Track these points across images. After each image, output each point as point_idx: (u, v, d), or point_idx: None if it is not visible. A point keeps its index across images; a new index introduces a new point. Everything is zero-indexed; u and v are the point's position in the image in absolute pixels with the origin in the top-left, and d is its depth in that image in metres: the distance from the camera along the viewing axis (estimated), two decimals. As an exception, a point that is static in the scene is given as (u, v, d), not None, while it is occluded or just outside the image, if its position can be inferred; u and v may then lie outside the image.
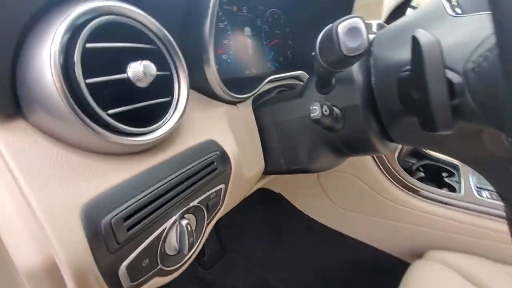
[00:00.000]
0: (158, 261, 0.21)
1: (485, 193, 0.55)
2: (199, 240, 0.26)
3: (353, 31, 0.19)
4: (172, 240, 0.22)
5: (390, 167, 0.56)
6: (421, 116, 0.20)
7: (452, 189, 0.59)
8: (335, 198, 0.66)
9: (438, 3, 0.24)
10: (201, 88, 0.29)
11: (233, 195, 0.31)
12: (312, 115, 0.25)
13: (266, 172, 0.39)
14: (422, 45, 0.18)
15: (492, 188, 0.56)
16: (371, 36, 0.30)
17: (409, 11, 0.91)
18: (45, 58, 0.15)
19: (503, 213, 0.49)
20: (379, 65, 0.26)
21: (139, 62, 0.18)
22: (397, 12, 0.89)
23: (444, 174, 0.63)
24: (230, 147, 0.28)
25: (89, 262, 0.16)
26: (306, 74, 0.46)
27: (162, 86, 0.21)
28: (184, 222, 0.22)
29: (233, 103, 0.33)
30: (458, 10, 0.23)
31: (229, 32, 0.41)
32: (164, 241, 0.21)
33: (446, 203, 0.54)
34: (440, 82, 0.17)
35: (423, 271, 0.49)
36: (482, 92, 0.17)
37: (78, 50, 0.15)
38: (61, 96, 0.15)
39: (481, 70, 0.17)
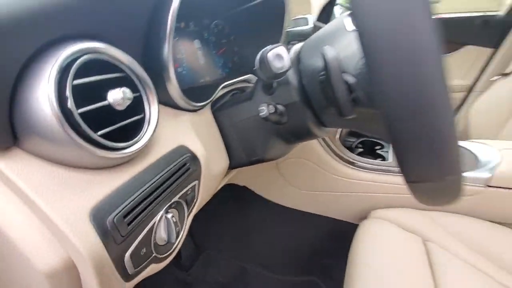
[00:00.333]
0: (153, 250, 0.26)
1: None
2: (183, 230, 0.31)
3: (278, 56, 0.25)
4: (162, 232, 0.27)
5: (334, 147, 0.67)
6: (336, 107, 0.28)
7: (383, 158, 0.73)
8: (294, 181, 0.75)
9: (341, 21, 0.32)
10: (166, 102, 0.33)
11: (205, 189, 0.36)
12: (261, 114, 0.32)
13: (231, 167, 0.45)
14: (326, 59, 0.25)
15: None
16: (300, 45, 0.38)
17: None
18: (42, 95, 0.18)
19: None
20: (306, 70, 0.34)
21: (118, 89, 0.22)
22: (328, 7, 1.02)
23: (377, 147, 0.77)
24: (197, 149, 0.33)
25: (103, 254, 0.20)
26: (254, 76, 0.52)
27: (135, 105, 0.25)
28: (169, 215, 0.27)
29: (195, 110, 0.38)
30: (354, 27, 0.31)
31: (180, 47, 0.45)
32: (155, 233, 0.26)
33: (379, 170, 0.67)
34: (341, 83, 0.25)
35: (369, 228, 0.61)
36: (366, 88, 0.25)
37: (69, 86, 0.19)
38: (60, 126, 0.19)
39: (363, 73, 0.25)
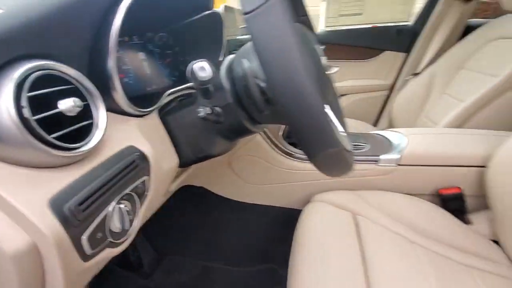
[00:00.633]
0: (108, 235, 0.30)
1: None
2: (136, 219, 0.35)
3: (202, 68, 0.32)
4: (115, 220, 0.31)
5: (277, 143, 0.75)
6: (255, 106, 0.35)
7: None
8: (246, 177, 0.82)
9: None
10: (115, 109, 0.38)
11: (157, 184, 0.41)
12: (199, 115, 0.38)
13: (182, 165, 0.50)
14: (243, 68, 0.33)
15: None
16: (232, 56, 0.45)
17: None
18: (3, 107, 0.22)
19: (356, 158, 0.75)
20: (236, 77, 0.41)
21: (68, 99, 0.26)
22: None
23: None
24: (145, 148, 0.37)
25: (62, 234, 0.24)
26: None
27: (85, 112, 0.30)
28: (122, 206, 0.31)
29: (142, 115, 0.43)
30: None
31: (126, 59, 0.49)
32: (109, 220, 0.30)
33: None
34: (254, 87, 0.33)
35: (310, 211, 0.69)
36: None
37: (24, 97, 0.23)
38: (19, 131, 0.23)
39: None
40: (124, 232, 0.33)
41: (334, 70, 1.59)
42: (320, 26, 1.48)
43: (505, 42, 0.93)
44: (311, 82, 0.25)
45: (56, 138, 0.25)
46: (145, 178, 0.37)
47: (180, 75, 0.63)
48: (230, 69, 0.42)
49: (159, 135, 0.45)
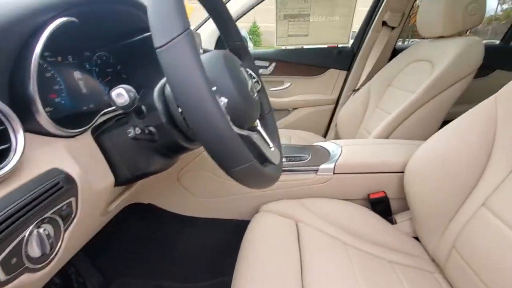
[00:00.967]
0: (24, 261, 0.30)
1: (284, 159, 0.87)
2: (59, 242, 0.35)
3: (119, 94, 0.34)
4: (34, 245, 0.31)
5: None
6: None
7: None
8: (196, 192, 0.83)
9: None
10: (40, 131, 0.37)
11: (89, 204, 0.41)
12: (129, 136, 0.39)
13: (118, 184, 0.50)
14: (165, 92, 0.36)
15: (290, 155, 0.89)
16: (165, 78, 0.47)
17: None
18: None
19: (299, 168, 0.80)
20: (167, 98, 0.43)
21: None
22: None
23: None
24: (72, 169, 0.38)
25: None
26: None
27: (2, 136, 0.30)
28: (41, 230, 0.31)
29: (72, 136, 0.42)
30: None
31: (58, 79, 0.49)
32: (26, 245, 0.30)
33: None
34: (176, 109, 0.36)
35: (256, 221, 0.73)
36: None
37: None
38: None
39: None
40: (45, 256, 0.32)
41: (287, 85, 1.69)
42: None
43: (420, 64, 1.09)
44: (217, 109, 0.29)
45: None
46: (71, 199, 0.37)
47: (121, 93, 0.64)
48: (163, 90, 0.45)
49: (91, 154, 0.45)
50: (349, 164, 0.80)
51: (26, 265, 0.30)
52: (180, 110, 0.41)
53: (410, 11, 1.36)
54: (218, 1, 0.51)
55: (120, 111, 0.54)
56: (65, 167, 0.37)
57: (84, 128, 0.45)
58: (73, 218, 0.38)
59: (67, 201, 0.36)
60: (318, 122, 1.67)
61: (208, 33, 1.49)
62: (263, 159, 0.47)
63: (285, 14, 1.47)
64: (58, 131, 0.39)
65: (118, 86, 0.35)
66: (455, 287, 0.58)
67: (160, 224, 0.88)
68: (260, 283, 0.54)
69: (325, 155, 0.86)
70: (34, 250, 0.31)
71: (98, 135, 0.47)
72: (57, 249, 0.34)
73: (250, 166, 0.34)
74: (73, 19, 0.38)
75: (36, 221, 0.31)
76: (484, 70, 1.52)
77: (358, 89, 1.46)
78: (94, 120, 0.47)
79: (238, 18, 1.47)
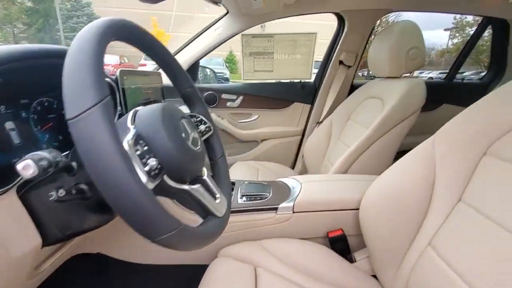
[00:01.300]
0: None
1: (243, 198, 0.86)
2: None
3: (26, 166, 0.32)
4: None
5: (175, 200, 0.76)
6: None
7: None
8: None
9: None
10: None
11: (7, 269, 0.36)
12: (50, 199, 0.36)
13: (47, 244, 0.45)
14: None
15: (251, 193, 0.88)
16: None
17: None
18: None
19: (259, 207, 0.78)
20: None
21: None
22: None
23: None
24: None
25: None
26: None
27: None
28: None
29: None
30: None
31: (-16, 132, 0.45)
32: None
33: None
34: None
35: (214, 266, 0.69)
36: None
37: None
38: None
39: None
40: None
41: (254, 117, 1.72)
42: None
43: (373, 101, 1.17)
44: (132, 181, 0.28)
45: None
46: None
47: (65, 139, 0.60)
48: None
49: (14, 215, 0.41)
50: (308, 202, 0.80)
51: None
52: None
53: (362, 52, 1.49)
54: (166, 53, 0.52)
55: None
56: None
57: (7, 187, 0.41)
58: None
59: None
60: (286, 153, 1.70)
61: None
62: (206, 213, 0.45)
63: (251, 51, 1.55)
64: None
65: (28, 156, 0.33)
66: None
67: (110, 275, 0.80)
68: None
69: (285, 192, 0.86)
70: None
71: (24, 193, 0.43)
72: None
73: (177, 232, 0.32)
74: None
75: None
76: (433, 104, 1.68)
77: (321, 121, 1.52)
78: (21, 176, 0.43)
79: (205, 54, 1.52)
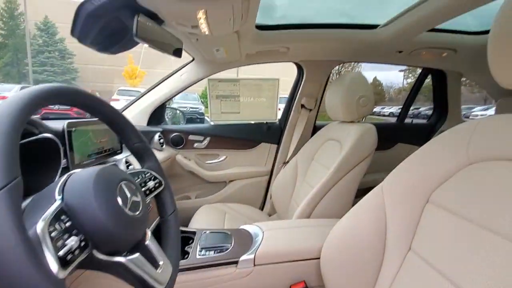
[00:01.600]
0: None
1: (203, 251, 0.81)
2: None
3: None
4: None
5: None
6: None
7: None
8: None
9: None
10: None
11: None
12: None
13: None
14: None
15: (211, 245, 0.83)
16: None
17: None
18: None
19: (218, 262, 0.73)
20: None
21: None
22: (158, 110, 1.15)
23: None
24: None
25: None
26: None
27: None
28: None
29: None
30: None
31: None
32: None
33: (181, 270, 0.74)
34: None
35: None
36: None
37: None
38: None
39: None
40: None
41: (222, 158, 1.70)
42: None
43: (332, 143, 1.23)
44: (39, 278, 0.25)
45: None
46: None
47: None
48: None
49: None
50: (270, 253, 0.77)
51: None
52: None
53: (322, 97, 1.60)
54: (113, 110, 0.52)
55: None
56: None
57: None
58: None
59: None
60: (255, 194, 1.68)
61: (141, 109, 1.50)
62: (144, 286, 0.41)
63: (217, 94, 1.59)
64: None
65: None
66: None
67: None
68: None
69: (247, 242, 0.83)
70: None
71: None
72: None
73: None
74: None
75: None
76: (389, 143, 1.80)
77: (287, 161, 1.55)
78: None
79: (171, 98, 1.54)
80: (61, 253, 0.29)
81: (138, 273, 0.41)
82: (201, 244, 0.85)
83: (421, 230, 0.56)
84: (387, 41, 1.22)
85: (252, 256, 0.76)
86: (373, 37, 1.24)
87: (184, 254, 0.84)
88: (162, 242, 0.57)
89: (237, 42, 1.06)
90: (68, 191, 0.37)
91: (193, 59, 1.45)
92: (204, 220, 1.30)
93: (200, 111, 8.64)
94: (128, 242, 0.41)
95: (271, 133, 1.68)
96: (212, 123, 1.65)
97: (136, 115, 1.48)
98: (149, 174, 0.57)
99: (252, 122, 1.68)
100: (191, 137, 1.60)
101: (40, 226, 0.29)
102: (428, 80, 1.83)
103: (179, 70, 1.49)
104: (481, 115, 9.52)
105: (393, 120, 1.93)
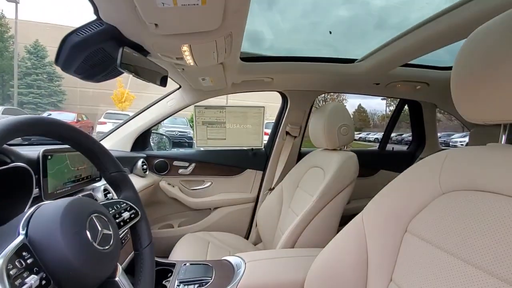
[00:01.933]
0: None
1: (181, 286, 0.77)
2: None
3: None
4: None
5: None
6: None
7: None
8: None
9: None
10: None
11: None
12: None
13: None
14: None
15: (190, 278, 0.80)
16: None
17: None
18: None
19: None
20: None
21: None
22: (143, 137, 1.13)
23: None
24: None
25: None
26: None
27: None
28: None
29: None
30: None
31: None
32: None
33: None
34: None
35: None
36: None
37: None
38: None
39: None
40: None
41: (207, 184, 1.68)
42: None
43: (316, 170, 1.25)
44: None
45: None
46: None
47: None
48: None
49: None
50: (252, 286, 0.74)
51: None
52: None
53: (306, 125, 1.65)
54: (88, 139, 0.51)
55: None
56: None
57: None
58: None
59: None
60: (240, 222, 1.65)
61: (125, 134, 1.48)
62: None
63: (203, 121, 1.61)
64: None
65: None
66: None
67: None
68: None
69: (229, 275, 0.80)
70: None
71: None
72: None
73: None
74: None
75: None
76: (372, 170, 1.84)
77: (273, 188, 1.55)
78: None
79: (157, 123, 1.54)
80: None
81: None
82: (179, 278, 0.81)
83: (401, 260, 0.56)
84: (364, 74, 1.30)
85: (232, 291, 0.73)
86: (351, 70, 1.32)
87: (161, 288, 0.79)
88: (135, 276, 0.54)
89: (222, 72, 1.11)
90: (34, 225, 0.35)
91: (179, 87, 1.48)
92: (186, 250, 1.25)
93: (189, 135, 8.63)
94: (96, 278, 0.39)
95: (256, 159, 1.69)
96: (201, 148, 1.65)
97: (120, 140, 1.46)
98: (124, 204, 0.56)
99: (238, 148, 1.69)
100: (175, 163, 1.58)
101: None
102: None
103: (166, 96, 1.51)
104: (460, 142, 9.99)
105: (377, 145, 1.99)
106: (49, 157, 0.68)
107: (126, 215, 0.54)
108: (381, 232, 0.60)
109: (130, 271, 0.57)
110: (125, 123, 1.52)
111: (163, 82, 0.97)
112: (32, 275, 0.30)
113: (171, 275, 0.84)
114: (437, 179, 0.52)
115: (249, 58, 1.22)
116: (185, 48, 0.74)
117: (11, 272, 0.29)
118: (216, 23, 0.64)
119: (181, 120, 9.68)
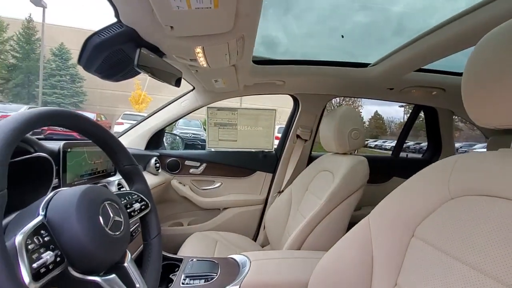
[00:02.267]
0: None
1: (187, 280, 0.79)
2: None
3: None
4: None
5: None
6: None
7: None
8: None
9: None
10: None
11: None
12: None
13: None
14: None
15: (196, 273, 0.81)
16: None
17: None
18: None
19: None
20: None
21: None
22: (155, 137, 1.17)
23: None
24: None
25: None
26: None
27: None
28: None
29: None
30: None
31: None
32: None
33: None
34: None
35: None
36: None
37: None
38: None
39: None
40: None
41: (217, 184, 1.70)
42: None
43: (325, 173, 1.24)
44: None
45: None
46: None
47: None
48: None
49: None
50: (256, 284, 0.75)
51: None
52: None
53: (317, 128, 1.65)
54: (105, 133, 0.54)
55: None
56: None
57: None
58: None
59: None
60: (248, 223, 1.66)
61: (140, 133, 1.54)
62: None
63: (215, 122, 1.64)
64: None
65: None
66: None
67: None
68: None
69: (234, 272, 0.81)
70: None
71: None
72: None
73: None
74: None
75: None
76: (384, 176, 1.80)
77: (282, 190, 1.55)
78: None
79: (171, 123, 1.59)
80: (35, 265, 0.30)
81: None
82: (186, 272, 0.83)
83: (407, 265, 0.55)
84: (377, 78, 1.29)
85: (237, 286, 0.74)
86: (364, 74, 1.31)
87: (168, 281, 0.81)
88: (142, 265, 0.56)
89: (234, 74, 1.13)
90: (52, 208, 0.38)
91: (193, 88, 1.52)
92: (194, 248, 1.27)
93: (202, 137, 8.76)
94: (106, 261, 0.42)
95: (267, 162, 1.70)
96: (212, 149, 1.68)
97: (135, 138, 1.52)
98: (136, 196, 0.58)
99: (249, 150, 1.71)
100: (187, 162, 1.62)
101: (18, 238, 0.31)
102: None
103: (180, 97, 1.56)
104: (482, 152, 9.51)
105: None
106: (69, 150, 0.72)
107: (136, 206, 0.57)
108: (387, 236, 0.60)
109: (139, 264, 0.60)
110: (140, 122, 1.58)
111: (177, 83, 1.00)
112: (48, 252, 0.33)
113: (178, 270, 0.86)
114: (446, 184, 0.51)
115: (261, 61, 1.25)
116: (198, 49, 0.77)
117: (29, 247, 0.31)
118: (228, 26, 0.66)
119: (195, 122, 9.85)
